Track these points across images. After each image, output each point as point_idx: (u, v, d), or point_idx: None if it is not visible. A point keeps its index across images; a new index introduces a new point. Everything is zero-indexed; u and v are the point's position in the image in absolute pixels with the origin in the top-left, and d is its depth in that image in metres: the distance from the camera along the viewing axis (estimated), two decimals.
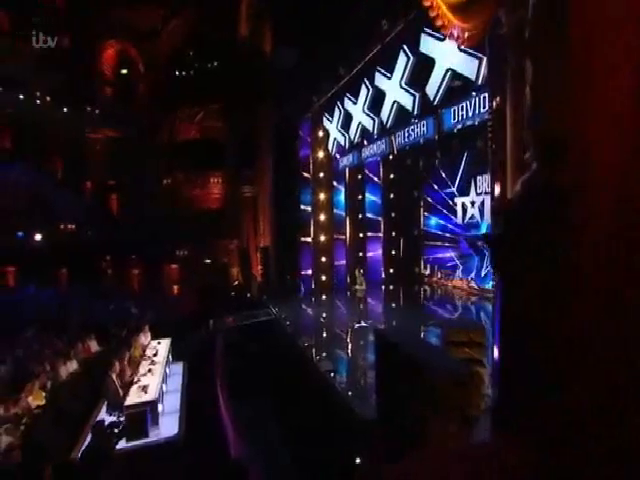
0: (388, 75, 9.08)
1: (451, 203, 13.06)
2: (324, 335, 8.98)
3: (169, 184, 18.80)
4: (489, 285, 10.96)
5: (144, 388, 6.33)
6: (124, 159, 17.55)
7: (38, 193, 14.90)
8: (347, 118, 11.75)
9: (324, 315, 10.95)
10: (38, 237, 15.36)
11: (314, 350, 7.70)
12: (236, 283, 17.83)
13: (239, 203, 17.84)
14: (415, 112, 8.44)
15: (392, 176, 14.66)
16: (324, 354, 7.56)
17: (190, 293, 15.62)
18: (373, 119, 10.39)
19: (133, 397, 6.13)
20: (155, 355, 7.77)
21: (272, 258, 14.57)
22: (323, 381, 6.23)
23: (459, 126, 7.44)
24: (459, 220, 12.79)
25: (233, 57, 15.76)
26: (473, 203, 12.13)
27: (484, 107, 6.43)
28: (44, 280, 14.56)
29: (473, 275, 12.22)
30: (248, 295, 15.31)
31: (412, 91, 8.43)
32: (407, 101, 8.63)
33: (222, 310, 11.89)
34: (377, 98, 9.48)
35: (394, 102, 9.09)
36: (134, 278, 18.08)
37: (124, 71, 18.34)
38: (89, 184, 18.39)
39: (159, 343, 8.53)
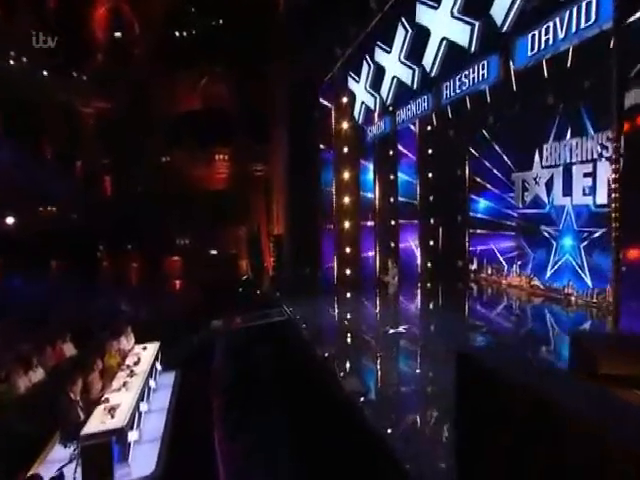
0: (434, 5, 7.66)
1: (506, 181, 12.07)
2: (349, 343, 8.30)
3: (169, 162, 18.26)
4: (559, 283, 10.35)
5: (112, 410, 5.11)
6: (118, 135, 16.92)
7: (17, 173, 14.18)
8: (378, 74, 10.76)
9: (349, 317, 10.40)
10: (10, 221, 14.81)
11: (337, 363, 6.91)
12: (245, 277, 17.63)
13: (249, 184, 17.67)
14: (473, 49, 6.86)
15: (430, 151, 13.99)
16: (350, 369, 6.85)
17: (192, 289, 15.30)
18: (412, 69, 9.22)
19: (95, 423, 4.93)
20: (136, 364, 6.65)
21: (287, 248, 14.28)
22: (350, 407, 5.40)
23: (544, 54, 5.82)
24: (517, 202, 11.78)
25: (239, 11, 15.11)
26: (537, 179, 11.00)
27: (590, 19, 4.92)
28: (32, 271, 13.88)
29: (534, 270, 11.30)
30: (258, 292, 15.07)
31: (468, 19, 6.84)
32: (461, 36, 7.20)
33: (227, 309, 11.61)
34: (418, 40, 8.64)
35: (442, 40, 7.74)
36: (132, 271, 17.78)
37: (117, 33, 17.87)
38: (79, 163, 17.97)
39: (144, 348, 7.55)
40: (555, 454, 1.79)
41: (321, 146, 13.54)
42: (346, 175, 13.61)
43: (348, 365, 7.03)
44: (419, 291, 12.81)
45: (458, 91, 8.19)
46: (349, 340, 8.52)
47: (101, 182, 18.07)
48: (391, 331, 8.26)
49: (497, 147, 12.23)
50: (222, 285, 15.03)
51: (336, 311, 10.95)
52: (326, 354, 7.30)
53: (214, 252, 18.35)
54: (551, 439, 1.81)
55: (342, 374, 6.46)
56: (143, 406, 6.00)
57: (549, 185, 10.53)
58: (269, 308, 11.42)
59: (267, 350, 8.19)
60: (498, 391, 2.09)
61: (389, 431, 4.74)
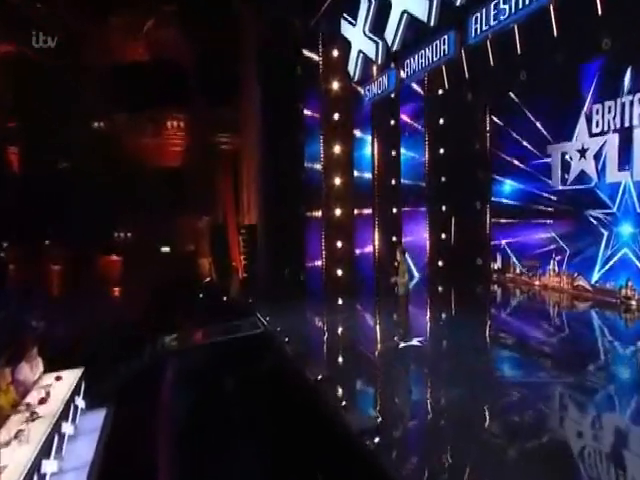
0: None
1: (540, 155, 11.90)
2: (349, 361, 8.20)
3: (103, 129, 17.50)
4: (614, 284, 10.09)
5: None
6: (33, 91, 15.92)
7: None
8: (382, 11, 10.11)
9: (345, 328, 10.38)
10: None
11: (335, 389, 6.59)
12: (207, 281, 17.58)
13: (212, 160, 17.63)
14: None
15: (442, 120, 14.02)
16: (354, 397, 6.73)
17: (135, 297, 15.06)
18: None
19: None
20: (43, 401, 5.75)
21: (262, 243, 14.03)
22: (357, 452, 4.91)
23: None
24: (555, 181, 11.57)
25: None
26: (583, 152, 10.70)
27: None
28: None
29: (578, 268, 11.20)
30: (225, 298, 14.90)
31: None
32: None
33: (183, 321, 11.63)
34: None
35: None
36: (51, 275, 16.99)
37: None
38: None
39: (58, 378, 6.62)
40: None
41: (305, 112, 13.10)
42: (337, 149, 13.16)
43: (350, 391, 6.86)
44: (427, 295, 12.86)
45: (493, 23, 7.51)
46: (348, 358, 8.38)
47: (3, 154, 16.87)
48: (402, 345, 8.15)
49: (528, 112, 11.93)
50: (176, 291, 14.81)
51: (327, 321, 10.99)
52: (319, 376, 6.92)
53: (166, 249, 18.10)
54: None
55: (343, 404, 5.98)
56: (49, 466, 5.02)
57: (599, 157, 10.30)
58: (239, 319, 11.35)
59: (237, 374, 8.04)
60: None
61: None
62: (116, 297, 17.33)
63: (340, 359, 8.37)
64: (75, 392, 6.55)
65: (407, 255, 10.28)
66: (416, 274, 13.11)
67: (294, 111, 12.99)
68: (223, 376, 8.04)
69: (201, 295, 15.99)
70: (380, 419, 5.66)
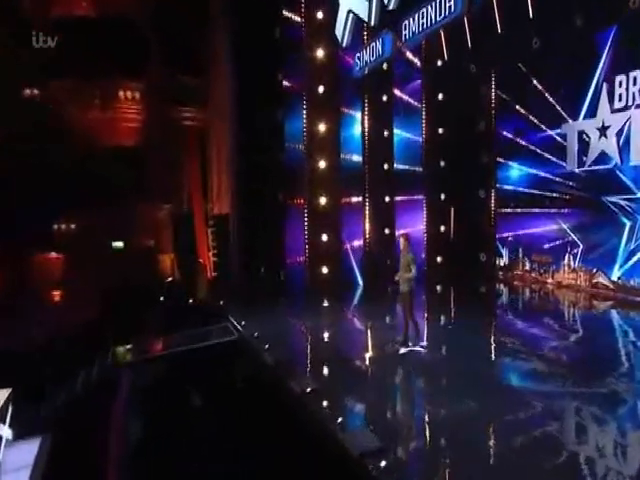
0: None
1: (554, 135, 11.93)
2: (342, 369, 8.12)
3: (39, 99, 16.85)
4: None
5: None
6: None
7: None
8: None
9: (331, 332, 10.41)
10: None
11: (328, 403, 6.45)
12: (169, 280, 17.44)
13: (174, 138, 17.38)
14: None
15: (441, 96, 14.06)
16: (352, 412, 6.74)
17: (80, 302, 14.82)
18: None
19: None
20: None
21: (235, 236, 13.87)
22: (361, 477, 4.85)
23: None
24: (571, 164, 11.63)
25: None
26: (604, 130, 10.71)
27: None
28: None
29: (597, 263, 11.35)
30: (191, 301, 14.77)
31: None
32: None
33: (141, 328, 11.65)
34: None
35: None
36: None
37: None
38: None
39: None
40: None
41: (285, 83, 13.02)
42: (322, 128, 13.01)
43: (346, 406, 6.77)
44: (425, 294, 12.85)
45: None
46: (340, 367, 8.26)
47: None
48: (403, 350, 8.14)
49: (539, 86, 12.01)
50: (132, 294, 14.69)
51: (312, 325, 10.89)
52: (308, 389, 6.84)
53: (118, 244, 17.86)
54: None
55: (339, 421, 5.84)
56: None
57: (621, 136, 10.33)
58: (208, 324, 11.27)
59: (205, 388, 7.84)
60: None
61: None
62: (56, 303, 16.99)
63: (331, 369, 8.18)
64: None
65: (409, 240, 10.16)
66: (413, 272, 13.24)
67: (272, 82, 12.88)
68: (188, 392, 7.81)
69: (162, 298, 15.90)
70: (382, 439, 5.38)
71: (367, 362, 8.45)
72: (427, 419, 6.32)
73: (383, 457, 4.94)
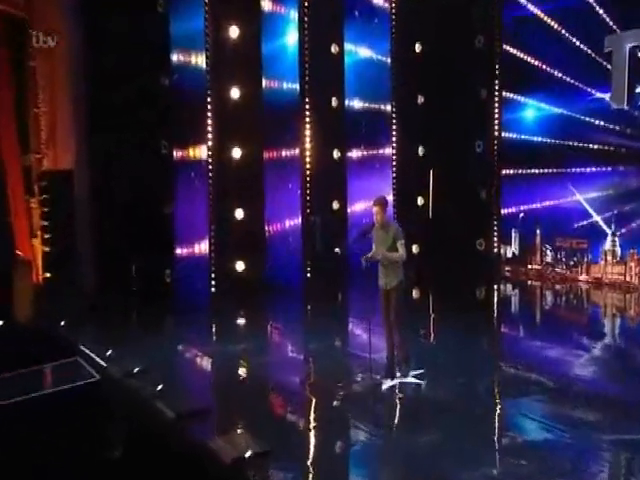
0: None
1: (591, 54, 11.75)
2: (291, 427, 7.50)
3: None
4: None
5: None
6: None
7: None
8: None
9: (262, 362, 9.93)
10: None
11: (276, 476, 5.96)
12: None
13: None
14: None
15: None
16: None
17: None
18: None
19: None
20: None
21: (84, 208, 12.93)
22: None
23: None
24: (618, 98, 11.46)
25: None
26: None
27: None
28: None
29: None
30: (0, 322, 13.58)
31: None
32: None
33: None
34: None
35: None
36: None
37: None
38: None
39: None
40: None
41: None
42: (234, 32, 12.47)
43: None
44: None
45: None
46: (292, 419, 7.71)
47: None
48: (387, 383, 7.86)
49: None
50: None
51: (231, 352, 10.36)
52: (246, 454, 6.15)
53: None
54: None
55: None
56: None
57: None
58: (41, 360, 10.27)
59: (59, 468, 6.86)
60: None
61: None
62: None
63: (275, 425, 7.18)
64: None
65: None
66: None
67: None
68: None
69: None
70: None
71: (331, 412, 7.34)
72: None
73: None
